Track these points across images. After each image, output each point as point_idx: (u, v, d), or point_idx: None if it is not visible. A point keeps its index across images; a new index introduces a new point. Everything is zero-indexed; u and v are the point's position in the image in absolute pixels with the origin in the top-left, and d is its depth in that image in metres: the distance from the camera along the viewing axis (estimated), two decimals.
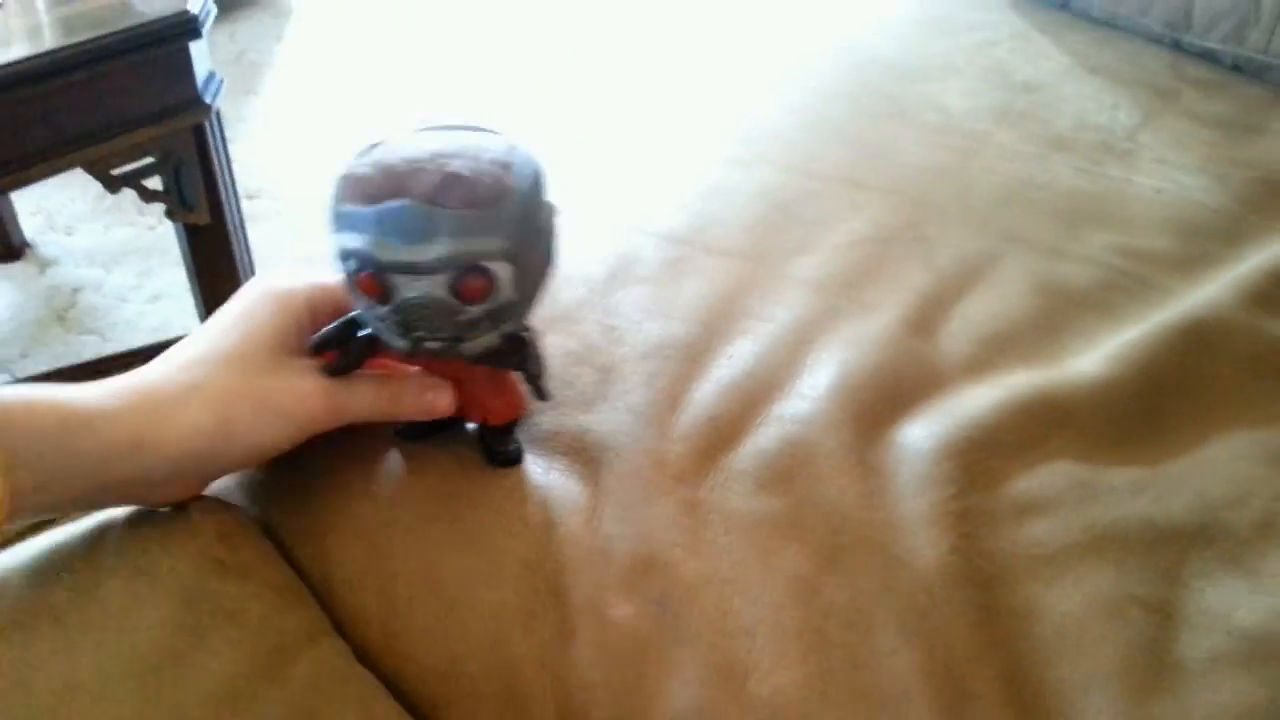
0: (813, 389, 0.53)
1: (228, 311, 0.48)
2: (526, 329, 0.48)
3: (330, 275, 0.46)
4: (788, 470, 0.50)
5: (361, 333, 0.47)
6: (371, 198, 0.42)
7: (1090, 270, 0.64)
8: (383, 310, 0.43)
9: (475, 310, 0.43)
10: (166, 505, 0.48)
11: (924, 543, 0.47)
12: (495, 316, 0.43)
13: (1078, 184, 0.72)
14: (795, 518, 0.49)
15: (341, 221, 0.43)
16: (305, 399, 0.46)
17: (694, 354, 0.55)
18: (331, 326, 0.48)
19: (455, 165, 0.42)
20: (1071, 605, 0.46)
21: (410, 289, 0.42)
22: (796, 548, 0.48)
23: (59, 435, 0.40)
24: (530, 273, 0.44)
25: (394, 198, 0.41)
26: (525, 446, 0.52)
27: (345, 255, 0.43)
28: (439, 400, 0.49)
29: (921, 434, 0.51)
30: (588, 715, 0.46)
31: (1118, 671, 0.44)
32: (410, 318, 0.43)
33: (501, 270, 0.42)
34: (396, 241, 0.41)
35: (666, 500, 0.50)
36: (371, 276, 0.42)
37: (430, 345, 0.43)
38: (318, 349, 0.48)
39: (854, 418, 0.52)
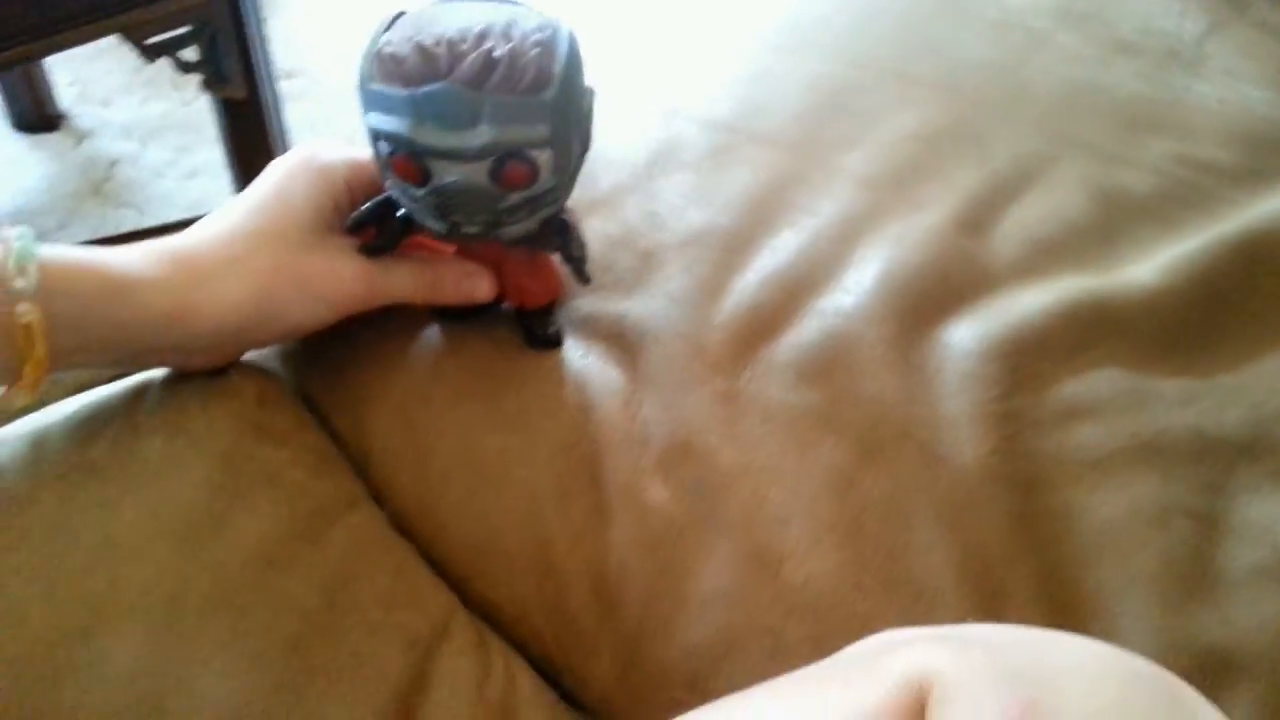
0: (857, 284, 0.52)
1: (265, 182, 0.47)
2: (566, 211, 0.47)
3: (367, 152, 0.45)
4: (828, 363, 0.50)
5: (399, 213, 0.46)
6: (408, 79, 0.40)
7: (1148, 178, 0.62)
8: (419, 193, 0.42)
9: (515, 197, 0.42)
10: (203, 371, 0.48)
11: (965, 440, 0.47)
12: (534, 202, 0.43)
13: (1139, 90, 0.70)
14: (834, 410, 0.48)
15: (375, 102, 0.41)
16: (344, 281, 0.46)
17: (736, 244, 0.54)
18: (368, 206, 0.47)
19: (496, 47, 0.40)
20: (1113, 510, 0.46)
21: (449, 173, 0.41)
22: (834, 440, 0.47)
23: (99, 300, 0.40)
24: (569, 158, 0.44)
25: (432, 80, 0.39)
26: (563, 329, 0.51)
27: (379, 136, 0.42)
28: (478, 287, 0.49)
29: (967, 334, 0.50)
30: (621, 594, 0.46)
31: (1157, 577, 0.44)
32: (448, 202, 0.42)
33: (543, 157, 0.41)
34: (437, 126, 0.40)
35: (704, 388, 0.49)
36: (408, 159, 0.41)
37: (468, 230, 0.43)
38: (354, 227, 0.47)
39: (898, 314, 0.51)
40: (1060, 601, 0.44)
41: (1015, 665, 0.28)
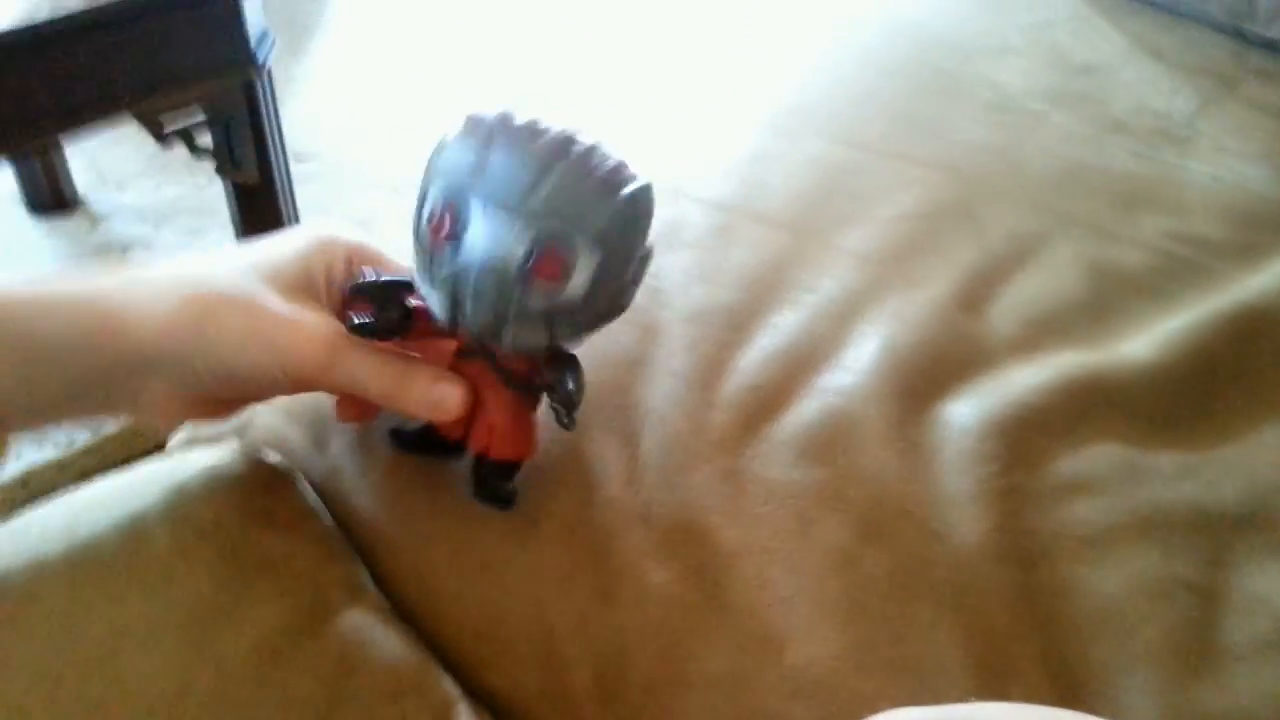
0: (857, 361, 0.53)
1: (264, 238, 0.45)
2: (572, 356, 0.44)
3: (380, 242, 0.46)
4: (829, 441, 0.50)
5: (404, 302, 0.44)
6: (485, 138, 0.40)
7: (1142, 254, 0.63)
8: (442, 266, 0.40)
9: (534, 296, 0.40)
10: (157, 425, 0.45)
11: (966, 518, 0.47)
12: (550, 313, 0.40)
13: (1133, 168, 0.71)
14: (836, 489, 0.49)
15: (442, 153, 0.41)
16: (303, 334, 0.41)
17: (739, 321, 0.55)
18: (377, 279, 0.44)
19: (580, 143, 0.40)
20: (1114, 586, 0.46)
21: (482, 241, 0.39)
22: (836, 519, 0.48)
23: (25, 319, 0.38)
24: (603, 289, 0.41)
25: (513, 144, 0.39)
26: (517, 494, 0.48)
27: (431, 186, 0.41)
28: (449, 396, 0.43)
29: (966, 411, 0.51)
30: (624, 679, 0.46)
31: (1160, 653, 0.44)
32: (464, 284, 0.40)
33: (580, 262, 0.39)
34: (500, 175, 0.39)
35: (707, 467, 0.50)
36: (452, 214, 0.40)
37: (471, 324, 0.40)
38: (354, 293, 0.44)
39: (898, 392, 0.52)
40: (1064, 678, 0.44)
41: None
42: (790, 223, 0.61)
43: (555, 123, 0.40)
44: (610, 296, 0.42)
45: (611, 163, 0.40)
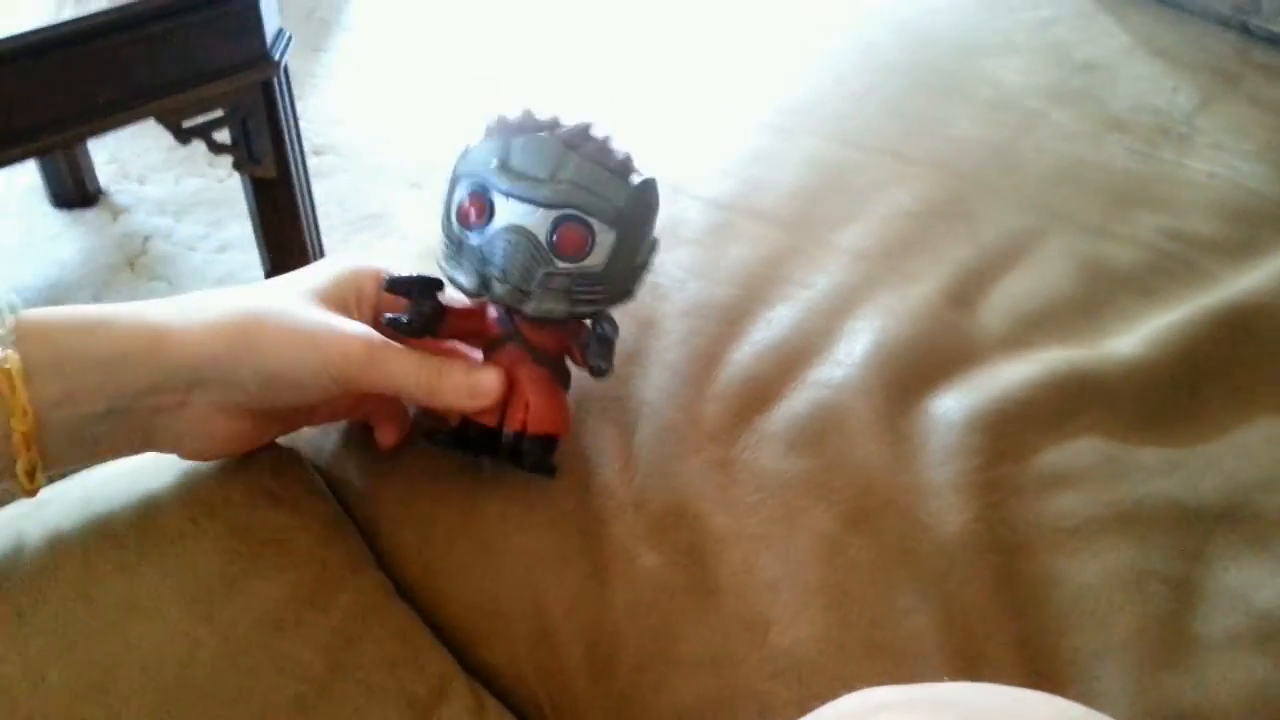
0: (848, 355, 0.54)
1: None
2: (609, 318, 0.46)
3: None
4: (818, 433, 0.52)
5: (438, 296, 0.47)
6: (509, 130, 0.44)
7: (1135, 252, 0.64)
8: (473, 238, 0.44)
9: (560, 267, 0.43)
10: (201, 448, 0.47)
11: (949, 508, 0.48)
12: (573, 285, 0.44)
13: (1130, 166, 0.72)
14: (823, 479, 0.50)
15: (470, 151, 0.45)
16: (341, 335, 0.43)
17: (734, 316, 0.57)
18: (412, 275, 0.47)
19: (599, 132, 0.44)
20: (1091, 576, 0.47)
21: (511, 218, 0.43)
22: (823, 508, 0.49)
23: (75, 335, 0.40)
24: (623, 261, 0.45)
25: (535, 136, 0.43)
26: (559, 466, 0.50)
27: (459, 180, 0.45)
28: (486, 379, 0.45)
29: (953, 404, 0.52)
30: (614, 657, 0.48)
31: (1133, 643, 0.45)
32: (492, 253, 0.43)
33: (602, 235, 0.43)
34: (522, 165, 0.43)
35: (699, 457, 0.51)
36: (480, 196, 0.44)
37: (498, 288, 0.44)
38: (389, 288, 0.46)
39: (887, 385, 0.53)
40: (1038, 666, 0.45)
41: None
42: (787, 220, 0.63)
43: (572, 117, 0.45)
44: (625, 275, 0.46)
45: (624, 152, 0.44)
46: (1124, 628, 0.45)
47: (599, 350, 0.45)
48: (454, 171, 0.46)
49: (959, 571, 0.47)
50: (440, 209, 0.47)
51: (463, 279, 0.45)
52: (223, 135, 1.07)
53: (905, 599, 0.47)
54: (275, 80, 1.05)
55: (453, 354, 0.49)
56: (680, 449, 0.52)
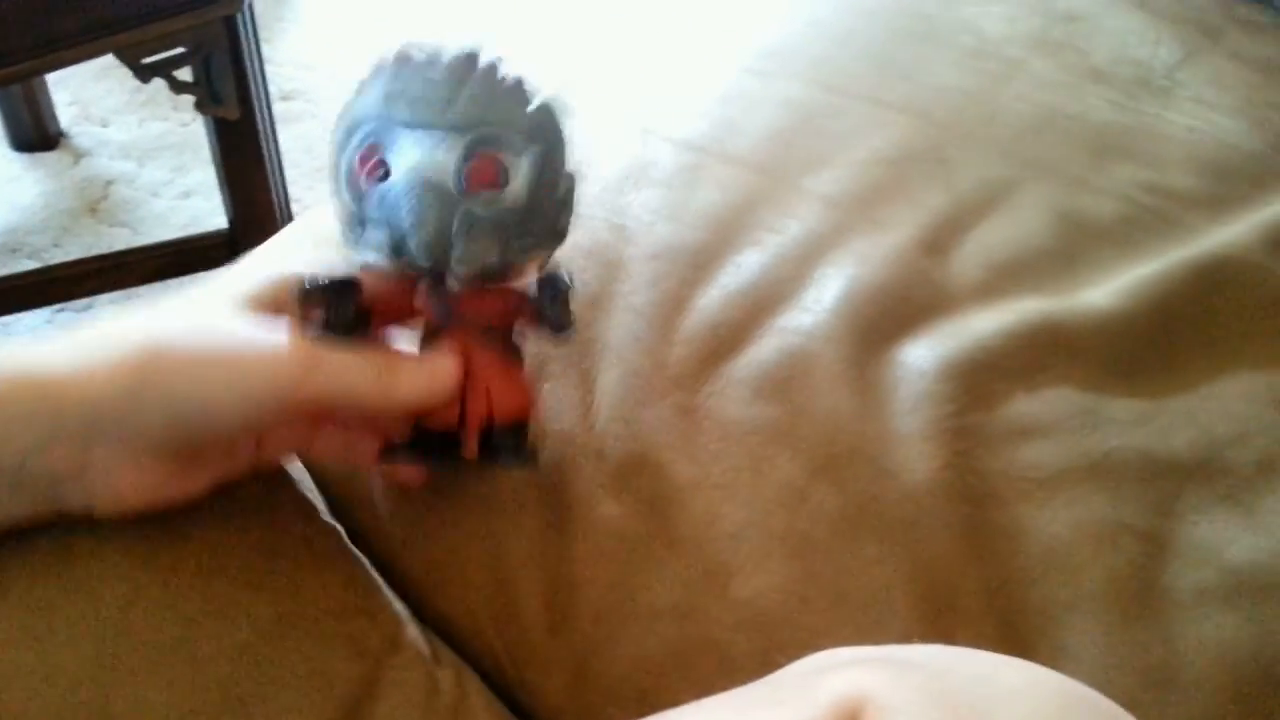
0: (817, 302, 0.53)
1: None
2: (558, 267, 0.43)
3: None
4: (785, 381, 0.50)
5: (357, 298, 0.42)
6: (394, 72, 0.40)
7: (1112, 204, 0.62)
8: (371, 201, 0.39)
9: (477, 206, 0.39)
10: (113, 503, 0.40)
11: (917, 457, 0.47)
12: (499, 222, 0.39)
13: (1109, 117, 0.71)
14: (789, 427, 0.49)
15: (354, 105, 0.41)
16: (272, 347, 0.38)
17: (702, 260, 0.55)
18: (325, 276, 0.42)
19: (486, 60, 0.40)
20: (1061, 527, 0.46)
21: (412, 157, 0.38)
22: (789, 456, 0.48)
23: None
24: (544, 195, 0.40)
25: (420, 69, 0.40)
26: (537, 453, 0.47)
27: (351, 130, 0.41)
28: (442, 365, 0.41)
29: (924, 353, 0.51)
30: (574, 608, 0.47)
31: (1103, 594, 0.44)
32: (399, 206, 0.38)
33: (516, 165, 0.39)
34: (415, 96, 0.39)
35: (663, 403, 0.50)
36: (372, 148, 0.40)
37: (412, 245, 0.38)
38: (303, 300, 0.41)
39: (856, 333, 0.52)
40: (1007, 617, 0.44)
41: (953, 690, 0.28)
42: (759, 164, 0.61)
43: (452, 45, 0.40)
44: (550, 210, 0.41)
45: (516, 74, 0.40)
46: (1094, 580, 0.45)
47: (554, 305, 0.42)
48: (337, 134, 0.41)
49: (927, 520, 0.46)
50: (331, 185, 0.42)
51: (371, 252, 0.40)
52: (185, 74, 1.04)
53: (871, 548, 0.46)
54: (239, 17, 1.02)
55: (390, 351, 0.44)
56: (644, 395, 0.50)
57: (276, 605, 0.42)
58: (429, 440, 0.43)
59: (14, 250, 1.41)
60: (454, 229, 0.39)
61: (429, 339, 0.44)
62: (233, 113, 1.09)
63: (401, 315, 0.44)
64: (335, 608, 0.43)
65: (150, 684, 0.39)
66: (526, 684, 0.47)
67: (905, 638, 0.44)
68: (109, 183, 1.52)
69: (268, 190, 1.19)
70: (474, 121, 0.39)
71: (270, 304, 0.41)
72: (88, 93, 1.65)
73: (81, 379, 0.36)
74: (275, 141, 1.18)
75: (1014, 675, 0.30)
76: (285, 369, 0.38)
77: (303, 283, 0.41)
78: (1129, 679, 0.43)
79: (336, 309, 0.41)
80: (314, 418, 0.44)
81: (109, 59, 0.98)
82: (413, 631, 0.46)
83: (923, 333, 0.52)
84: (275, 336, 0.39)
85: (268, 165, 1.18)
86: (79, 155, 1.56)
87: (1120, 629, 0.44)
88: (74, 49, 0.94)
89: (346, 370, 0.39)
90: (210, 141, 1.15)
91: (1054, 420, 0.49)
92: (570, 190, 0.42)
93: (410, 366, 0.41)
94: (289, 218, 1.21)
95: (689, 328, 0.52)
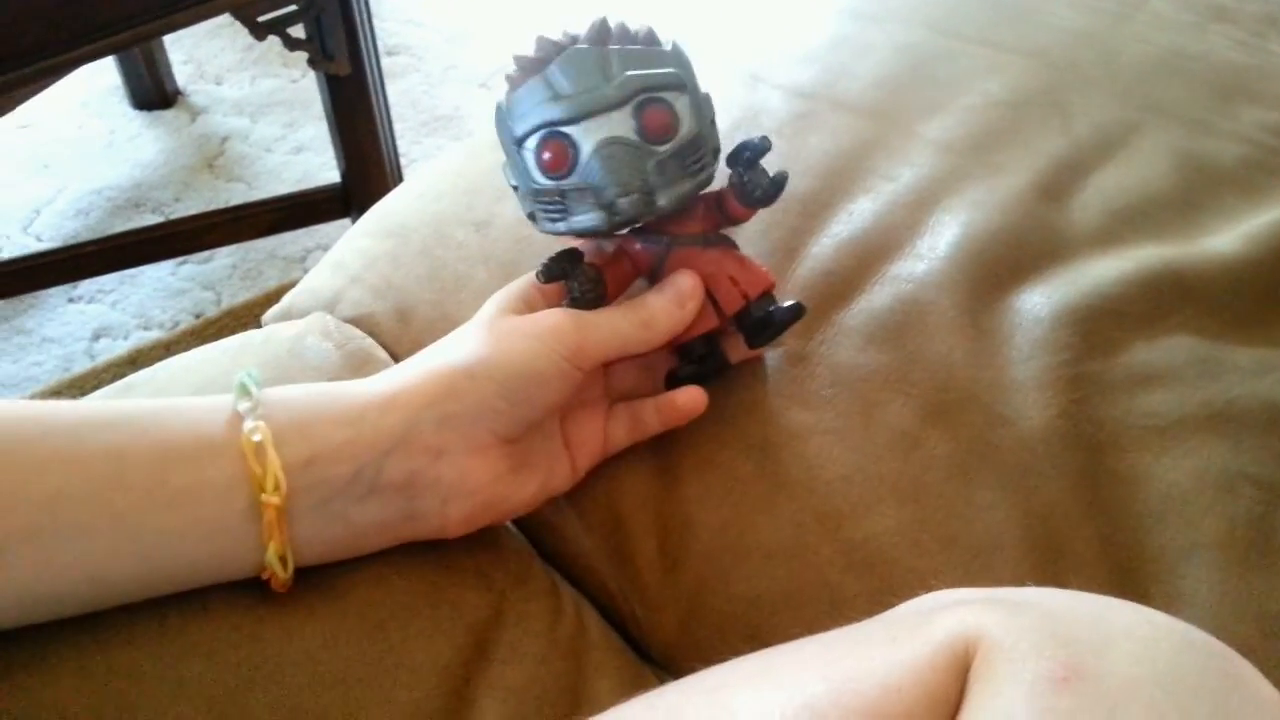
0: (931, 249, 0.53)
1: None
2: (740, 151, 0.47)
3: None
4: (899, 328, 0.50)
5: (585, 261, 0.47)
6: (538, 65, 0.44)
7: (1237, 147, 0.61)
8: (571, 182, 0.43)
9: (662, 151, 0.43)
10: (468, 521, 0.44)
11: (1032, 404, 0.47)
12: (682, 156, 0.44)
13: (1234, 57, 0.68)
14: (902, 373, 0.49)
15: (515, 108, 0.44)
16: (548, 320, 0.44)
17: (814, 208, 0.55)
18: (550, 258, 0.46)
19: (610, 23, 0.45)
20: (1180, 476, 0.46)
21: (595, 135, 0.43)
22: (901, 402, 0.48)
23: (312, 400, 0.41)
24: (705, 117, 0.45)
25: (565, 58, 0.43)
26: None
27: (525, 137, 0.44)
28: (682, 282, 0.45)
29: (1040, 300, 0.51)
30: (686, 549, 0.48)
31: (1221, 543, 0.44)
32: (599, 179, 0.43)
33: (679, 102, 0.44)
34: (575, 89, 0.43)
35: (776, 350, 0.51)
36: (556, 139, 0.43)
37: (624, 204, 0.42)
38: (546, 278, 0.46)
39: (971, 280, 0.51)
40: (1121, 564, 0.44)
41: (1065, 630, 0.29)
42: (871, 110, 0.61)
43: (577, 23, 0.45)
44: (712, 131, 0.46)
45: (645, 26, 0.45)
46: (1212, 528, 0.44)
47: (756, 177, 0.46)
48: (505, 136, 0.45)
49: (1041, 467, 0.46)
50: (515, 185, 0.46)
51: (586, 220, 0.44)
52: (297, 31, 1.07)
53: (984, 494, 0.46)
54: None
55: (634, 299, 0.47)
56: None
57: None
58: (695, 355, 0.48)
59: (138, 205, 1.47)
60: (651, 178, 0.43)
61: (655, 274, 0.48)
62: (344, 69, 1.12)
63: (626, 265, 0.48)
64: (465, 542, 0.45)
65: (294, 613, 0.41)
66: (640, 620, 0.48)
67: (1017, 582, 0.44)
68: (224, 139, 1.56)
69: (378, 145, 1.21)
70: (633, 84, 0.43)
71: (523, 306, 0.46)
72: (201, 51, 1.70)
73: (422, 379, 0.42)
74: (384, 96, 1.21)
75: (1127, 616, 0.30)
76: (567, 330, 0.43)
77: (539, 271, 0.46)
78: (1245, 627, 0.42)
79: (577, 278, 0.46)
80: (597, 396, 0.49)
81: (223, 19, 1.01)
82: (535, 566, 0.47)
83: (1039, 280, 0.52)
84: (543, 313, 0.44)
85: (378, 120, 1.20)
86: (195, 113, 1.61)
87: (1238, 577, 0.43)
88: (194, 9, 0.97)
89: (609, 322, 0.44)
90: (323, 97, 1.18)
91: (1173, 369, 0.49)
92: (713, 110, 0.47)
93: (656, 300, 0.45)
94: (398, 171, 1.24)
95: (801, 276, 0.53)
